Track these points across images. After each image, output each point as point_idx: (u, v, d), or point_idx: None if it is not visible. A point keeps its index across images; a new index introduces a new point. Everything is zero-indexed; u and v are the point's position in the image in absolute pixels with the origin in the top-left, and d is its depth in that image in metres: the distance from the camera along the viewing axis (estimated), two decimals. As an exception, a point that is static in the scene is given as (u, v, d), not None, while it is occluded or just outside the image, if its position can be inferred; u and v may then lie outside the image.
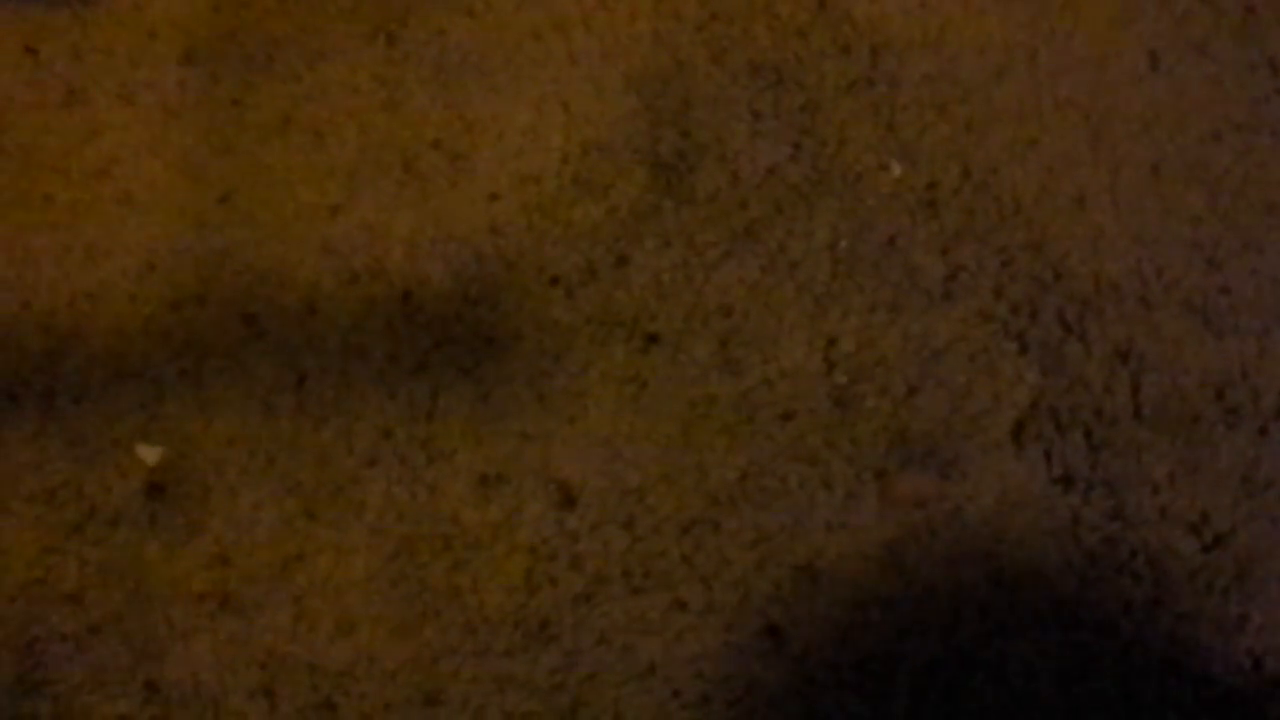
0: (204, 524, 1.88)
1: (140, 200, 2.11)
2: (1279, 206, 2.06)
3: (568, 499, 1.88)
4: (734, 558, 1.84)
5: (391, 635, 1.81)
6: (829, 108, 2.18)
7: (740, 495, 1.88)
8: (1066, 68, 2.20)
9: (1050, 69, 2.20)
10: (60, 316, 2.02)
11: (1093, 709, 1.75)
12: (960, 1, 2.26)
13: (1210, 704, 1.75)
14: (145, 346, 1.99)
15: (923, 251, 2.05)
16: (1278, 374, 1.94)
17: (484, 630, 1.81)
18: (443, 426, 1.94)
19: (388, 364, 1.98)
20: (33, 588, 1.85)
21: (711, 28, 2.25)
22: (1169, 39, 2.22)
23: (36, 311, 2.02)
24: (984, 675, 1.77)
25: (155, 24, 2.27)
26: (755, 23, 2.25)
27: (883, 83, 2.19)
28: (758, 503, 1.87)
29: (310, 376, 1.97)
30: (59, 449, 1.92)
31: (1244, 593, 1.81)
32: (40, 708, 1.79)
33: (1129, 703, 1.75)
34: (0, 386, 1.97)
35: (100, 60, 2.24)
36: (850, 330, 1.99)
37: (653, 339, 1.99)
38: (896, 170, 2.12)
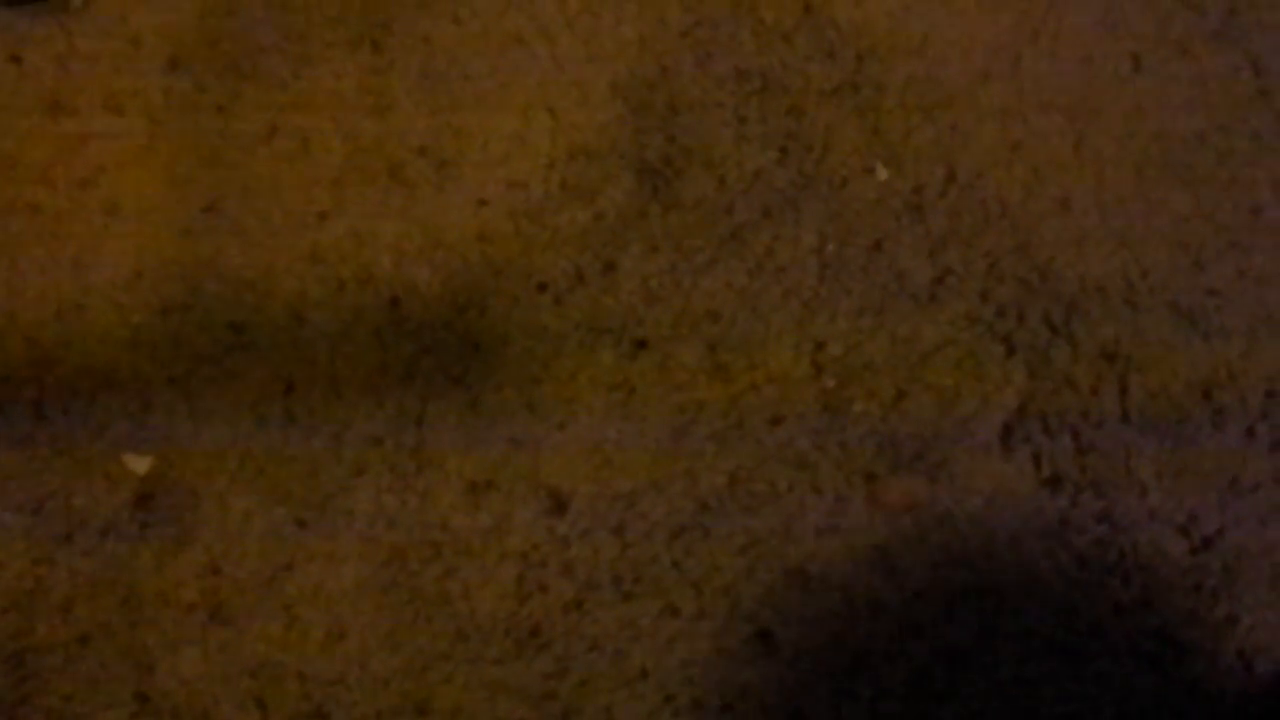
0: (194, 533, 1.88)
1: (127, 209, 2.11)
2: (1263, 207, 2.07)
3: (558, 505, 1.88)
4: (724, 563, 1.84)
5: (382, 643, 1.81)
6: (814, 112, 2.19)
7: (730, 500, 1.88)
8: (1050, 71, 2.21)
9: (1034, 72, 2.20)
10: (47, 327, 2.01)
11: (1083, 711, 1.75)
12: (944, 5, 2.27)
13: (1201, 705, 1.75)
14: (133, 356, 1.99)
15: (909, 255, 2.06)
16: (1264, 375, 1.95)
17: (475, 637, 1.81)
18: (432, 434, 1.94)
19: (376, 372, 1.98)
20: (23, 598, 1.84)
21: (696, 33, 2.26)
22: (1152, 41, 2.23)
23: (23, 322, 2.02)
24: (975, 678, 1.77)
25: (140, 33, 2.27)
26: (740, 28, 2.26)
27: (868, 87, 2.20)
28: (747, 507, 1.88)
29: (299, 385, 1.97)
30: (48, 459, 1.92)
31: (1233, 593, 1.82)
32: (31, 718, 1.78)
33: (1120, 704, 1.75)
34: (-12, 397, 1.97)
35: (85, 69, 2.23)
36: (838, 334, 2.00)
37: (641, 344, 1.99)
38: (882, 174, 2.13)
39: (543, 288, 2.04)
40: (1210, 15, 2.26)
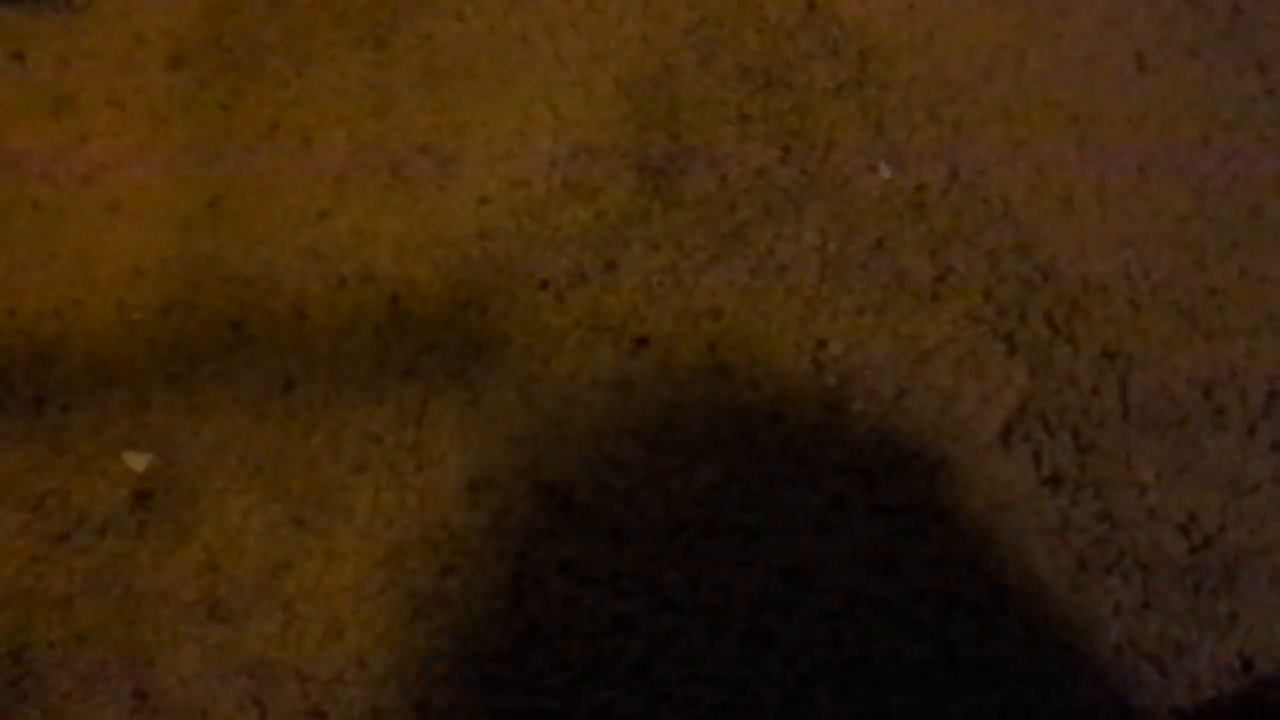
0: (192, 531, 1.87)
1: (128, 206, 2.11)
2: (1266, 207, 2.06)
3: (556, 503, 1.88)
4: (722, 560, 1.84)
5: (380, 641, 1.81)
6: (818, 110, 2.18)
7: (728, 497, 1.88)
8: (1055, 69, 2.20)
9: (1038, 70, 2.20)
10: (48, 323, 2.01)
11: (1084, 711, 1.75)
12: (949, 3, 2.26)
13: (1201, 705, 1.75)
14: (133, 353, 1.99)
15: (911, 253, 2.05)
16: (1265, 374, 1.94)
17: (473, 635, 1.80)
18: (431, 431, 1.93)
19: (376, 369, 1.98)
20: (21, 596, 1.84)
21: (700, 31, 2.26)
22: (1157, 40, 2.22)
23: (24, 318, 2.02)
24: (974, 677, 1.77)
25: (143, 30, 2.27)
26: (744, 26, 2.26)
27: (871, 85, 2.20)
28: (746, 505, 1.87)
29: (298, 382, 1.97)
30: (47, 456, 1.92)
31: (1233, 593, 1.81)
32: (29, 715, 1.78)
33: (1119, 704, 1.75)
34: (-12, 394, 1.98)
35: (88, 66, 2.24)
36: (839, 332, 1.99)
37: (642, 342, 1.99)
38: (885, 172, 2.12)
39: (544, 285, 2.04)
40: (1216, 15, 2.25)
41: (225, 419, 1.95)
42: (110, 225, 2.10)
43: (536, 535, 1.86)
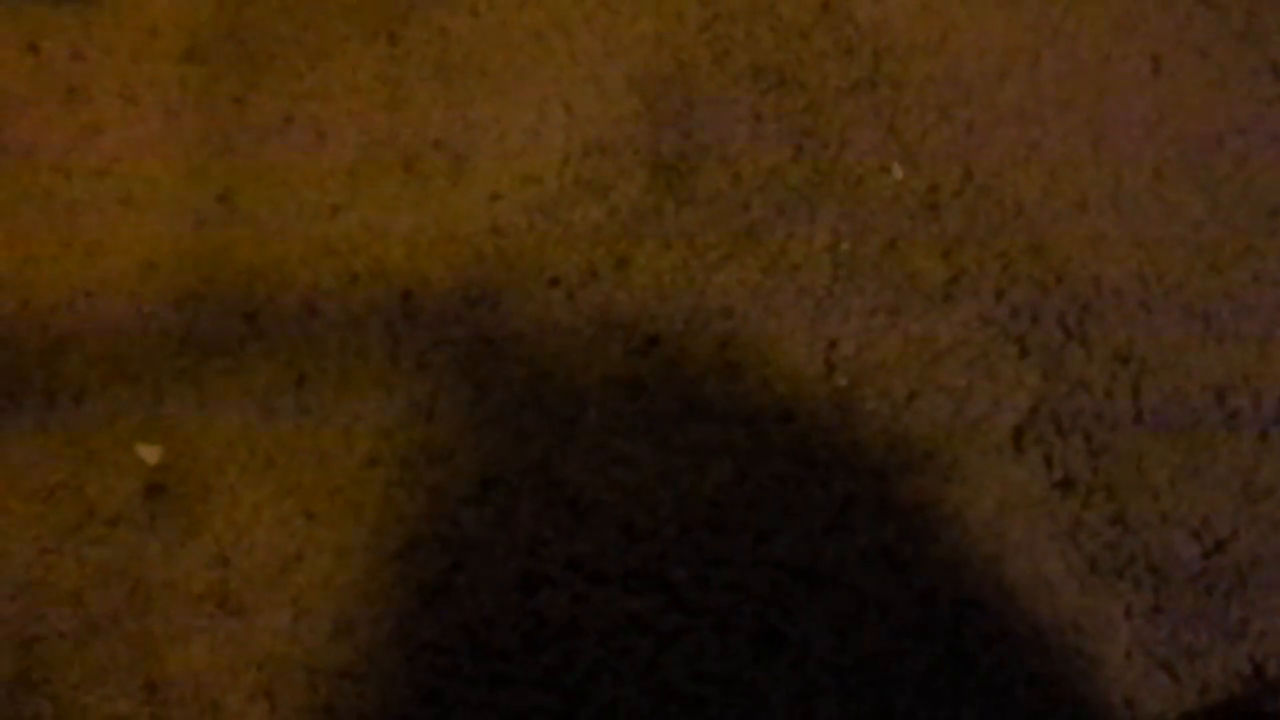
0: (203, 524, 1.88)
1: (141, 199, 2.11)
2: (1281, 211, 2.06)
3: (565, 500, 1.88)
4: (732, 559, 1.84)
5: (390, 636, 1.81)
6: (831, 110, 2.18)
7: (739, 497, 1.88)
8: (1069, 71, 2.20)
9: (1053, 72, 2.20)
10: (60, 315, 2.01)
11: (1093, 715, 1.75)
12: (963, 4, 2.26)
13: (1211, 709, 1.75)
14: (145, 346, 1.99)
15: (924, 254, 2.05)
16: (1279, 378, 1.94)
17: (482, 631, 1.80)
18: (442, 427, 1.93)
19: (388, 364, 1.98)
20: (32, 587, 1.85)
21: (714, 29, 2.25)
22: (1171, 43, 2.22)
23: (36, 310, 2.02)
24: (983, 681, 1.77)
25: (157, 22, 2.27)
26: (758, 24, 2.25)
27: (885, 85, 2.19)
28: (756, 504, 1.87)
29: (310, 376, 1.97)
30: (59, 448, 1.92)
31: (1244, 598, 1.81)
32: (39, 707, 1.78)
33: (1130, 708, 1.74)
34: (0, 385, 1.97)
35: (101, 58, 2.24)
36: (851, 333, 1.99)
37: (653, 340, 1.99)
38: (898, 173, 2.12)
39: (555, 282, 2.04)
40: (1230, 17, 2.25)
41: (237, 412, 1.95)
42: (123, 217, 2.10)
43: (546, 532, 1.86)
